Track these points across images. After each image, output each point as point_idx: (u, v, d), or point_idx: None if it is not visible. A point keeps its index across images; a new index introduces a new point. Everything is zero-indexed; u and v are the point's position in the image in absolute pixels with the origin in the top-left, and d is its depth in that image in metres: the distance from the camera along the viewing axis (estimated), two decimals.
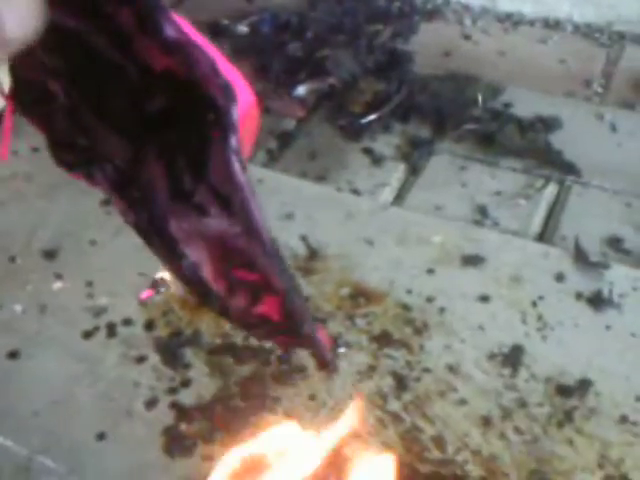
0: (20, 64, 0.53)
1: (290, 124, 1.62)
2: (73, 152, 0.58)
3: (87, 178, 0.58)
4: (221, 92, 0.48)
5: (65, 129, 0.57)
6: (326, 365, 0.72)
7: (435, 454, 1.00)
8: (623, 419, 1.03)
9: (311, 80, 1.66)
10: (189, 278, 0.57)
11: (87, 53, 0.50)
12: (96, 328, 1.17)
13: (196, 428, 1.03)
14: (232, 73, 0.58)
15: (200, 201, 0.53)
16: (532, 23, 1.91)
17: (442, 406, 1.05)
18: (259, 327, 0.63)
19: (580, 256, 1.26)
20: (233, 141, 0.49)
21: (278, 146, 1.57)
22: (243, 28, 1.89)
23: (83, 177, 0.59)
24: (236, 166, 0.50)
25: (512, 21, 1.92)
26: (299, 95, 1.65)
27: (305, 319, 0.63)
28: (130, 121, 0.53)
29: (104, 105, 0.54)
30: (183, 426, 1.03)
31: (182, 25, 0.47)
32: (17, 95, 0.58)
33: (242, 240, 0.54)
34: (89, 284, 1.23)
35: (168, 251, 0.56)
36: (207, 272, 0.57)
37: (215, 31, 1.90)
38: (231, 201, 0.52)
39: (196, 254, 0.56)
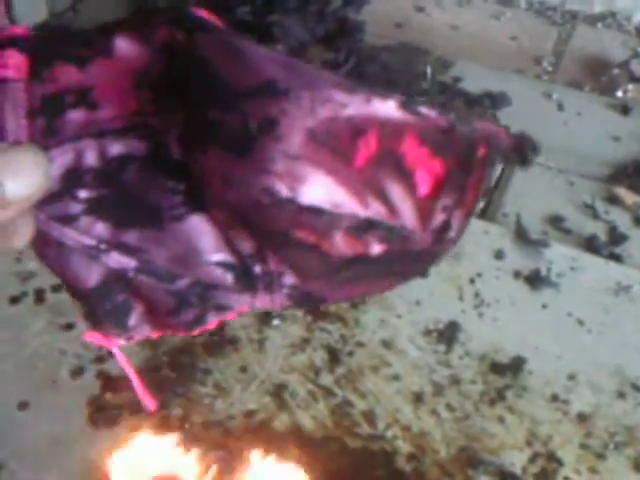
0: None
1: None
2: None
3: None
4: None
5: None
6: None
7: (365, 429, 0.99)
8: (554, 397, 1.03)
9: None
10: None
11: None
12: (24, 293, 1.13)
13: (122, 398, 1.00)
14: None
15: None
16: None
17: (375, 381, 1.04)
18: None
19: (520, 234, 1.25)
20: None
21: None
22: None
23: None
24: None
25: None
26: None
27: None
28: None
29: None
30: (109, 396, 1.01)
31: None
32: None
33: None
34: None
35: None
36: None
37: None
38: None
39: None
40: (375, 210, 0.48)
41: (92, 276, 0.51)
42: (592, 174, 1.41)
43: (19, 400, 1.00)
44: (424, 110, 0.45)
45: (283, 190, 0.45)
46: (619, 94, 1.59)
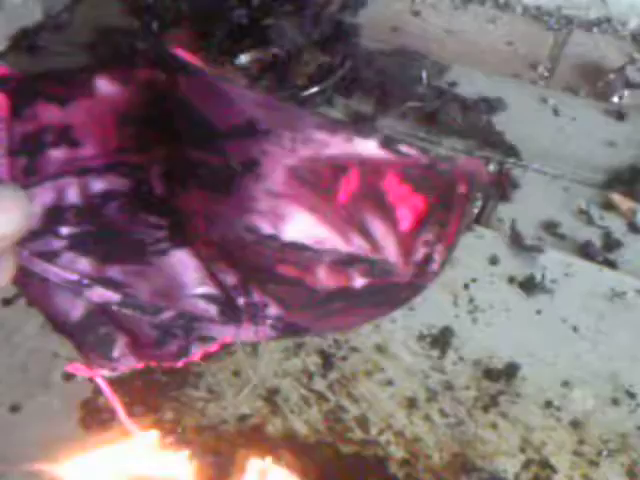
0: None
1: None
2: None
3: None
4: None
5: None
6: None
7: (358, 434, 0.98)
8: (547, 404, 1.03)
9: (254, 49, 1.62)
10: None
11: None
12: (17, 295, 1.12)
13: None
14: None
15: None
16: (482, 2, 1.89)
17: (368, 386, 1.03)
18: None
19: (515, 240, 1.25)
20: None
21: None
22: None
23: None
24: None
25: None
26: (241, 64, 1.61)
27: None
28: None
29: None
30: (101, 399, 1.00)
31: None
32: None
33: None
34: None
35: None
36: None
37: None
38: None
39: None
40: (357, 245, 0.48)
41: (75, 310, 0.51)
42: (587, 180, 1.41)
43: (11, 402, 0.99)
44: (404, 149, 0.46)
45: (266, 228, 0.45)
46: (615, 100, 1.59)
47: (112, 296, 0.51)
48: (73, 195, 0.49)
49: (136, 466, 0.93)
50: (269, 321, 0.53)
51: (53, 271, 0.49)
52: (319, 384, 1.03)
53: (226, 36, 1.66)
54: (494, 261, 1.22)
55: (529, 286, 1.18)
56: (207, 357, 0.92)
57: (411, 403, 1.02)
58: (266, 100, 0.45)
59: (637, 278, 1.20)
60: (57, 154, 0.49)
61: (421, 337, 1.10)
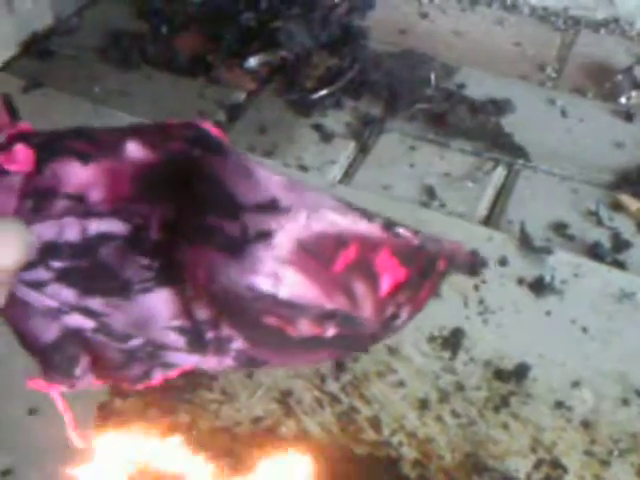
0: None
1: (240, 96, 1.59)
2: None
3: None
4: None
5: None
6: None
7: (371, 435, 1.00)
8: (558, 404, 1.04)
9: (263, 52, 1.63)
10: None
11: None
12: None
13: (130, 404, 1.01)
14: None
15: None
16: (489, 4, 1.90)
17: (380, 388, 1.04)
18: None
19: (524, 241, 1.26)
20: None
21: (227, 118, 1.54)
22: None
23: None
24: None
25: (470, 1, 1.90)
26: (250, 67, 1.62)
27: None
28: None
29: None
30: (118, 402, 1.01)
31: None
32: None
33: None
34: None
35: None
36: None
37: None
38: None
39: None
40: (340, 304, 0.53)
41: (49, 333, 0.54)
42: (596, 181, 1.41)
43: (29, 406, 1.01)
44: (401, 231, 0.54)
45: (266, 287, 0.50)
46: (622, 100, 1.59)
47: (87, 323, 0.53)
48: (72, 234, 0.52)
49: (152, 467, 0.94)
50: (232, 353, 0.56)
51: (36, 297, 0.52)
52: (332, 386, 1.04)
53: (235, 39, 1.67)
54: (504, 262, 1.23)
55: (539, 287, 1.19)
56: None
57: (423, 404, 1.03)
58: (289, 182, 0.51)
59: None
60: (64, 203, 0.52)
61: (432, 338, 1.11)
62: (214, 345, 0.56)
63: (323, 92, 1.55)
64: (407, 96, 1.55)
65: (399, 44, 1.73)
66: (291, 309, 0.52)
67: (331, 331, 0.55)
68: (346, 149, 1.47)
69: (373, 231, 0.53)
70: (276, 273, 0.50)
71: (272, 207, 0.50)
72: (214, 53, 1.65)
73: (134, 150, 0.53)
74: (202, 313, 0.54)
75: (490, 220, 1.33)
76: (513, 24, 1.84)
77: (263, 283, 0.50)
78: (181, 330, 0.55)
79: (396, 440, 0.99)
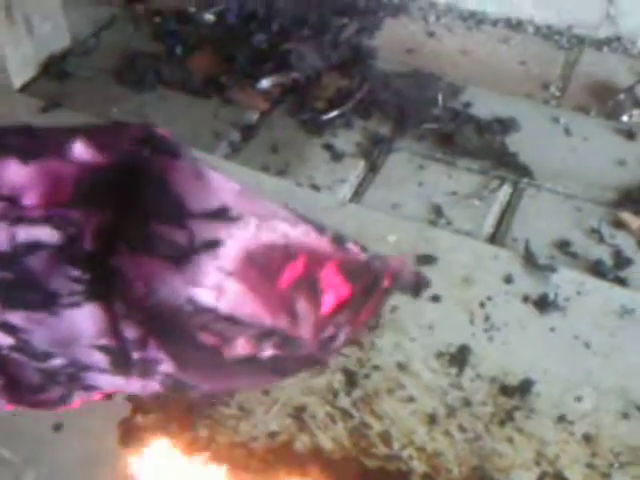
0: None
1: (253, 117, 1.64)
2: None
3: None
4: None
5: None
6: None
7: (382, 450, 1.04)
8: (561, 419, 1.08)
9: (275, 73, 1.68)
10: None
11: None
12: None
13: (152, 420, 1.06)
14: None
15: None
16: (495, 23, 1.94)
17: (390, 403, 1.09)
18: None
19: (529, 259, 1.30)
20: None
21: (240, 138, 1.59)
22: (209, 17, 1.90)
23: None
24: None
25: (475, 20, 1.95)
26: (263, 88, 1.67)
27: None
28: None
29: None
30: (139, 418, 1.06)
31: None
32: None
33: None
34: None
35: None
36: None
37: (182, 19, 1.91)
38: None
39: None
40: (281, 322, 0.53)
41: None
42: (599, 199, 1.46)
43: (54, 421, 1.05)
44: (350, 246, 0.54)
45: (208, 301, 0.49)
46: (625, 119, 1.64)
47: (5, 340, 0.52)
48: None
49: None
50: (158, 377, 0.56)
51: None
52: (344, 401, 1.09)
53: (247, 60, 1.72)
54: (509, 280, 1.27)
55: (543, 304, 1.23)
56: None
57: (431, 419, 1.07)
58: (243, 190, 0.50)
59: None
60: None
61: (440, 355, 1.15)
62: (139, 367, 0.54)
63: (333, 113, 1.60)
64: (415, 116, 1.60)
65: (407, 63, 1.77)
66: (230, 325, 0.50)
67: (267, 352, 0.55)
68: (356, 168, 1.51)
69: (322, 244, 0.53)
70: (220, 286, 0.49)
71: (222, 215, 0.48)
72: (227, 74, 1.70)
73: (81, 151, 0.51)
74: (130, 332, 0.52)
75: (496, 238, 1.38)
76: (518, 43, 1.88)
77: (205, 296, 0.48)
78: (106, 350, 0.53)
79: (406, 454, 1.03)
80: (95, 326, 0.52)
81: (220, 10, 1.92)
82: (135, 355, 0.54)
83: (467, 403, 1.09)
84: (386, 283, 0.61)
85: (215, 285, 0.49)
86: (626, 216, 1.40)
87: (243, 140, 1.59)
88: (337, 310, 0.57)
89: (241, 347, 0.54)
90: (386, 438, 1.05)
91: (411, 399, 1.10)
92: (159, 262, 0.48)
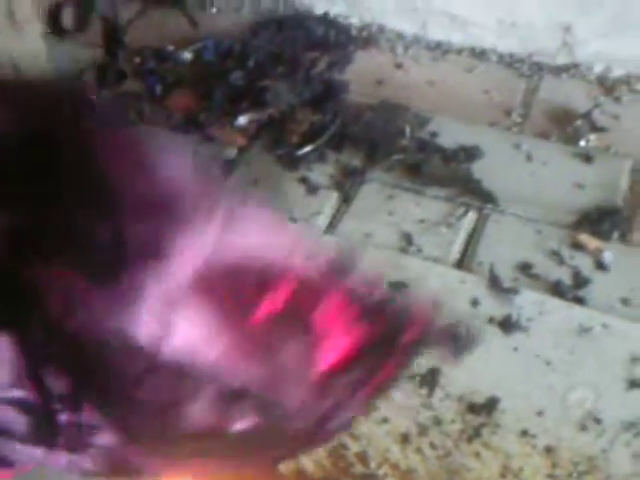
0: None
1: (232, 152, 1.73)
2: None
3: None
4: None
5: None
6: None
7: (359, 469, 1.13)
8: (524, 433, 1.17)
9: (252, 110, 1.77)
10: None
11: None
12: None
13: None
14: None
15: None
16: (460, 52, 2.04)
17: (366, 425, 1.18)
18: None
19: (494, 282, 1.40)
20: None
21: (221, 173, 1.68)
22: (187, 55, 1.99)
23: None
24: None
25: (441, 50, 2.05)
26: (240, 125, 1.76)
27: None
28: None
29: None
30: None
31: None
32: None
33: None
34: None
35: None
36: None
37: (160, 57, 1.99)
38: None
39: None
40: (255, 377, 0.38)
41: None
42: (558, 222, 1.55)
43: None
44: (362, 275, 0.39)
45: (143, 336, 0.34)
46: (582, 143, 1.73)
47: None
48: None
49: None
50: (92, 450, 0.40)
51: None
52: None
53: (225, 98, 1.81)
54: (475, 303, 1.36)
55: (507, 325, 1.32)
56: None
57: (404, 438, 1.16)
58: (205, 181, 0.35)
59: (602, 313, 1.35)
60: None
61: (411, 377, 1.24)
62: (67, 434, 0.39)
63: (308, 148, 1.68)
64: (385, 147, 1.69)
65: (376, 95, 1.87)
66: (180, 379, 0.36)
67: (240, 423, 0.39)
68: (330, 200, 1.60)
69: (321, 269, 0.37)
70: (163, 314, 0.34)
71: (171, 214, 0.34)
72: (206, 112, 1.79)
73: None
74: (57, 384, 0.37)
75: (463, 263, 1.47)
76: (482, 71, 1.98)
77: (139, 327, 0.33)
78: (24, 406, 0.38)
79: (382, 472, 1.12)
80: (5, 370, 0.37)
81: (197, 48, 2.00)
82: (62, 417, 0.38)
83: (438, 422, 1.18)
84: (409, 335, 0.44)
85: (154, 314, 0.34)
86: (584, 237, 1.50)
87: (223, 175, 1.67)
88: (341, 368, 0.40)
89: (200, 415, 0.38)
90: (363, 457, 1.14)
91: (385, 420, 1.18)
92: (82, 276, 0.34)
